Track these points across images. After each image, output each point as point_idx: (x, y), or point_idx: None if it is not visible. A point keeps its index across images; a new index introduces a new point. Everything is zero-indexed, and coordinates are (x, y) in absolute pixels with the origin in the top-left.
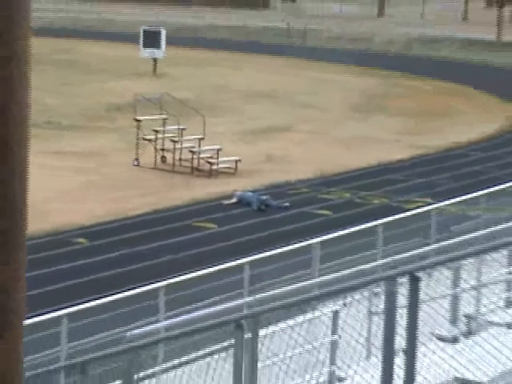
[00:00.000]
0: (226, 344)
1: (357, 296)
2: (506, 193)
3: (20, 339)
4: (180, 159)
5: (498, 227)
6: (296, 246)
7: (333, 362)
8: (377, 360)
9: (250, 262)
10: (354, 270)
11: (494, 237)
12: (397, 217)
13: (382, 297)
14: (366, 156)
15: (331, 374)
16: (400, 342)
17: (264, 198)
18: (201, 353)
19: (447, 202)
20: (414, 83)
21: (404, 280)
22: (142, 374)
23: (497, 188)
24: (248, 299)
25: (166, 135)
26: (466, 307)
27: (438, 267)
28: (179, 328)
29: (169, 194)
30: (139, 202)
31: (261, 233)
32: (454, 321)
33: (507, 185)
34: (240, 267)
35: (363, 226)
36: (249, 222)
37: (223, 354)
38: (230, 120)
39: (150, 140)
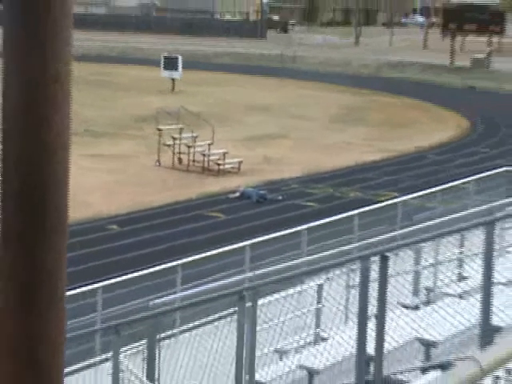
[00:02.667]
0: (231, 311)
1: (337, 272)
2: (458, 188)
3: (64, 309)
4: (193, 161)
5: (451, 216)
6: (288, 231)
7: (317, 325)
8: (353, 324)
9: (251, 245)
10: (334, 251)
11: (447, 224)
12: (369, 208)
13: (358, 272)
14: (345, 158)
15: (316, 334)
16: (372, 309)
17: (262, 192)
18: (210, 318)
19: (410, 196)
20: (384, 99)
21: (375, 259)
22: (163, 335)
23: (450, 184)
24: (249, 275)
25: (182, 141)
26: (426, 281)
27: (402, 248)
28: (193, 298)
29: (184, 189)
30: (160, 195)
31: (259, 221)
32: (415, 292)
33: (458, 182)
34: (242, 249)
35: (342, 215)
36: (249, 212)
37: (228, 319)
38: (234, 129)
39: (169, 145)
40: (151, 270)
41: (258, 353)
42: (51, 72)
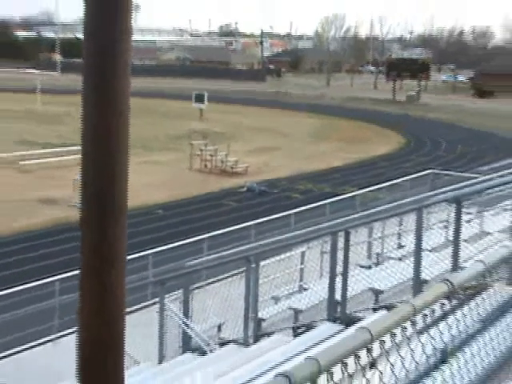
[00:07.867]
0: (241, 270)
1: (315, 243)
2: (398, 184)
3: (124, 267)
4: (215, 166)
5: (393, 204)
6: (280, 214)
7: (301, 279)
8: (326, 279)
9: (254, 224)
10: (313, 228)
11: (391, 209)
12: (337, 198)
13: (329, 243)
14: (319, 164)
15: (300, 286)
16: (339, 268)
17: (262, 187)
18: (226, 275)
19: (366, 190)
20: (346, 123)
21: (341, 233)
22: (194, 286)
23: (393, 181)
24: (253, 244)
25: (207, 152)
26: (376, 248)
27: (360, 226)
28: (215, 261)
29: (208, 185)
30: (192, 189)
31: (260, 207)
32: (369, 256)
33: (399, 180)
34: (249, 226)
35: (319, 203)
36: (254, 201)
37: (239, 276)
38: (243, 144)
39: (198, 155)
40: (186, 241)
41: (260, 299)
42: (118, 107)
